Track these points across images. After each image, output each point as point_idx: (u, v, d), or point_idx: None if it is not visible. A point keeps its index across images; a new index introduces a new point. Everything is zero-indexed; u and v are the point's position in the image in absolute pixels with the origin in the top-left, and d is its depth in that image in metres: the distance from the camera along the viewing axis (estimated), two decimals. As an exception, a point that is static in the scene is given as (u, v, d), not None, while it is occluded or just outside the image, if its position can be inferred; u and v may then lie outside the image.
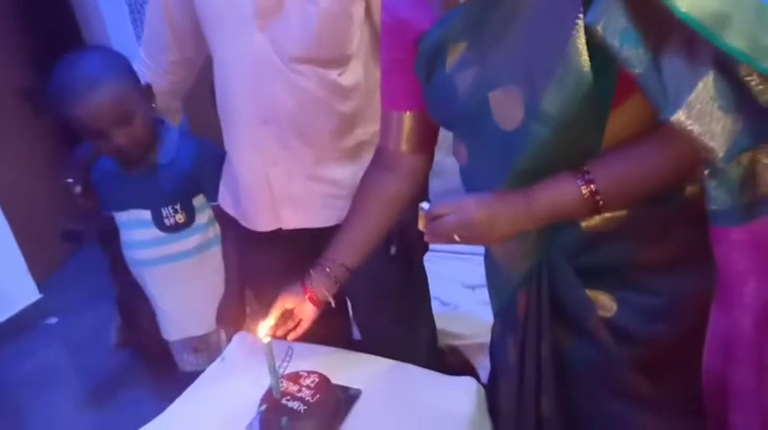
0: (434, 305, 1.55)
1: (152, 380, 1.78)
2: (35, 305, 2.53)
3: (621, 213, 0.78)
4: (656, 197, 0.76)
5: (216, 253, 1.36)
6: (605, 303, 0.83)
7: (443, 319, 1.52)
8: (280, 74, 1.06)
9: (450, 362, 1.41)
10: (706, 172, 0.67)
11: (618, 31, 0.63)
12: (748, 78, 0.62)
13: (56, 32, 2.54)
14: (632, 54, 0.63)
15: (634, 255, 0.80)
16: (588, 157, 0.74)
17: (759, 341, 0.71)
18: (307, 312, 1.04)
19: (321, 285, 1.02)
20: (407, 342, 1.29)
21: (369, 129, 1.15)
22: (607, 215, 0.78)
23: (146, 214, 1.28)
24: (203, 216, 1.32)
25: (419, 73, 0.87)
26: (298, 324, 1.05)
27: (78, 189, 1.26)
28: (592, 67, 0.66)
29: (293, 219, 1.19)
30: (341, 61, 1.07)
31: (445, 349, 1.49)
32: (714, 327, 0.74)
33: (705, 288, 0.73)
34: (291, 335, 1.05)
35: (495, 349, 1.06)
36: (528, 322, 0.88)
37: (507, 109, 0.74)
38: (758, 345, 0.71)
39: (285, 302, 1.03)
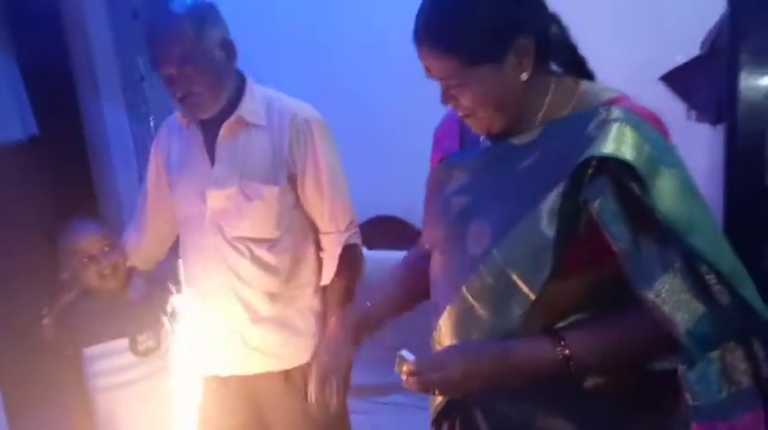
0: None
1: None
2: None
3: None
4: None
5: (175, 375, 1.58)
6: None
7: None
8: (223, 250, 1.38)
9: None
10: (683, 367, 0.76)
11: (609, 211, 0.78)
12: (708, 277, 0.76)
13: (75, 193, 2.94)
14: (618, 231, 0.77)
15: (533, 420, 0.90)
16: (522, 305, 0.84)
17: None
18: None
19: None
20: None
21: (293, 295, 1.41)
22: None
23: (123, 342, 1.53)
24: (168, 341, 1.60)
25: (427, 187, 1.05)
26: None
27: (46, 321, 1.51)
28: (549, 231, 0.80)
29: (230, 368, 1.40)
30: (271, 241, 1.37)
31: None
32: None
33: None
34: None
35: None
36: None
37: (477, 238, 0.89)
38: None
39: None
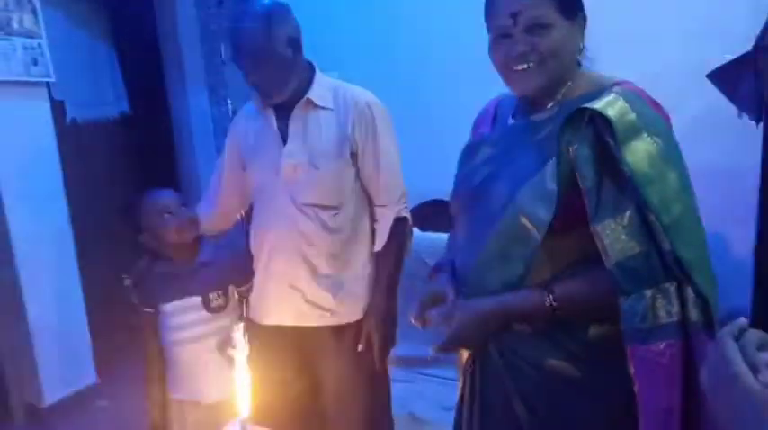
0: (404, 416, 1.78)
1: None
2: (91, 388, 2.88)
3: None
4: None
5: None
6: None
7: (406, 428, 1.73)
8: (292, 215, 1.53)
9: (406, 466, 1.60)
10: (619, 298, 0.89)
11: (583, 155, 0.93)
12: (655, 224, 0.89)
13: (158, 167, 3.22)
14: (587, 173, 0.92)
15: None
16: (530, 245, 0.99)
17: None
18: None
19: None
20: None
21: (349, 256, 1.57)
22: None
23: (196, 299, 1.71)
24: (233, 301, 1.76)
25: (460, 159, 1.20)
26: None
27: (128, 282, 1.72)
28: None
29: (290, 319, 1.56)
30: (334, 208, 1.51)
31: (403, 455, 1.69)
32: None
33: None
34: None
35: None
36: (463, 404, 1.15)
37: (498, 196, 1.05)
38: None
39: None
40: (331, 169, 1.50)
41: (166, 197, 1.71)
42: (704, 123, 1.64)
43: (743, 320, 0.64)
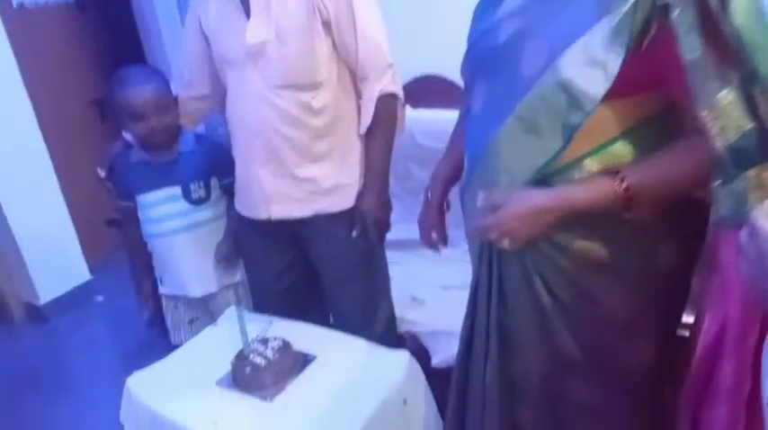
0: (403, 298, 1.76)
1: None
2: (85, 285, 2.89)
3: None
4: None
5: (224, 223, 1.71)
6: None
7: (406, 309, 1.73)
8: (266, 98, 1.37)
9: (407, 346, 1.60)
10: (717, 182, 0.80)
11: (686, 22, 0.78)
12: (759, 98, 0.78)
13: (123, 54, 2.97)
14: (691, 42, 0.78)
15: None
16: (580, 116, 0.86)
17: (744, 324, 0.86)
18: None
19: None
20: (365, 320, 1.53)
21: (336, 139, 1.43)
22: None
23: (176, 190, 1.62)
24: (216, 193, 1.68)
25: (475, 14, 1.05)
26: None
27: (102, 173, 1.61)
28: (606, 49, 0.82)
29: (279, 211, 1.47)
30: (312, 87, 1.36)
31: (405, 335, 1.70)
32: (708, 328, 0.90)
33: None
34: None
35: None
36: (478, 290, 1.07)
37: (533, 57, 0.89)
38: (743, 331, 0.86)
39: None
40: (301, 44, 1.32)
41: (139, 94, 1.51)
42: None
43: None
